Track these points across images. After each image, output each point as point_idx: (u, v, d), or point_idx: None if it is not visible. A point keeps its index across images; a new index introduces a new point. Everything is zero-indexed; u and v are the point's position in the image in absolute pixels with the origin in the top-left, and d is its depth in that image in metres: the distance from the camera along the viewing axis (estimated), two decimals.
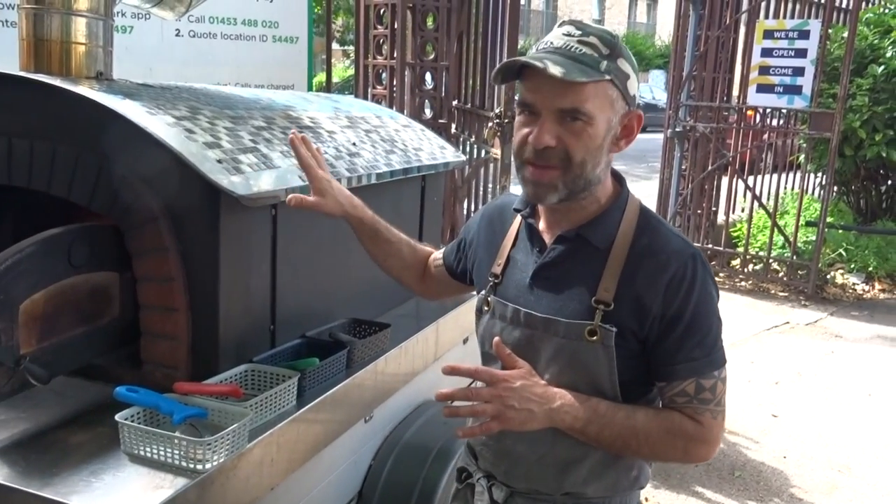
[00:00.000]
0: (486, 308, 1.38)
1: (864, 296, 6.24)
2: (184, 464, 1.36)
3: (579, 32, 1.20)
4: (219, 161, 1.58)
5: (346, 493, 1.97)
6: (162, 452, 1.37)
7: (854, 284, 6.36)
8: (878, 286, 6.37)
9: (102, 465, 1.38)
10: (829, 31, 6.17)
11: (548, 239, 1.33)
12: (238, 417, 1.44)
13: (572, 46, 1.18)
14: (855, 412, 4.08)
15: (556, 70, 1.15)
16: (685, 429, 1.24)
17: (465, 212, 4.63)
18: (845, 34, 6.15)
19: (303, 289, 1.97)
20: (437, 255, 1.67)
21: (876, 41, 6.48)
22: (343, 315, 2.11)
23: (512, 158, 1.29)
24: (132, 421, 1.41)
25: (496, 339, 1.25)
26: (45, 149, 1.67)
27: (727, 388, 1.27)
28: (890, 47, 6.37)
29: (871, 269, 6.42)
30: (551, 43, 1.20)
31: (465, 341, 2.64)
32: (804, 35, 5.78)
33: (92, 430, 1.50)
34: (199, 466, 1.35)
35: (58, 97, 1.64)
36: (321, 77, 5.96)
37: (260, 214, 1.74)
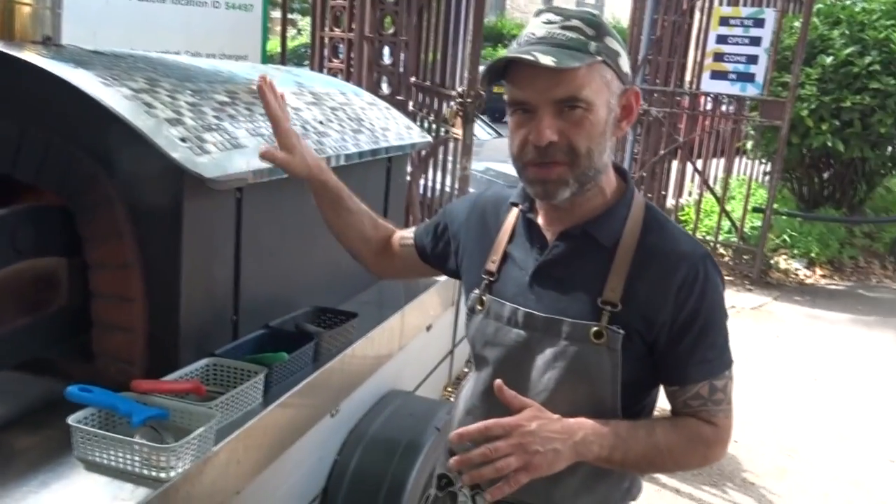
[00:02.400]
0: (479, 307, 1.30)
1: (806, 281, 6.40)
2: (145, 471, 1.25)
3: (560, 18, 1.13)
4: (182, 140, 1.45)
5: (310, 490, 1.88)
6: (121, 459, 1.26)
7: (797, 270, 6.52)
8: (819, 272, 6.54)
9: (52, 474, 1.26)
10: (783, 19, 6.23)
11: (549, 235, 1.25)
12: (204, 419, 1.34)
13: (556, 34, 1.12)
14: (801, 396, 4.18)
15: (547, 60, 1.08)
16: (704, 434, 1.21)
17: (421, 192, 4.53)
18: (795, 24, 6.24)
19: (266, 276, 1.86)
20: (407, 233, 1.56)
21: (826, 32, 6.59)
22: (305, 303, 2.01)
23: (512, 163, 1.20)
24: (86, 424, 1.29)
25: (497, 381, 1.13)
26: None
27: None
28: (839, 38, 6.48)
29: (813, 255, 6.58)
30: (533, 34, 1.13)
31: (428, 328, 2.57)
32: (759, 23, 5.83)
33: (40, 433, 1.38)
34: (163, 474, 1.24)
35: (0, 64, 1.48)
36: (272, 46, 5.74)
37: (224, 198, 1.62)
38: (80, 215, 1.50)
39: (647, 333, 1.18)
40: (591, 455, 1.13)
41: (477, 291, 1.32)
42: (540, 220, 1.28)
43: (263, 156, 1.37)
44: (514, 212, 1.33)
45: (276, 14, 6.12)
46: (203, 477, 1.33)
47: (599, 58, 1.12)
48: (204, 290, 1.62)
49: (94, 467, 1.27)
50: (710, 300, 1.19)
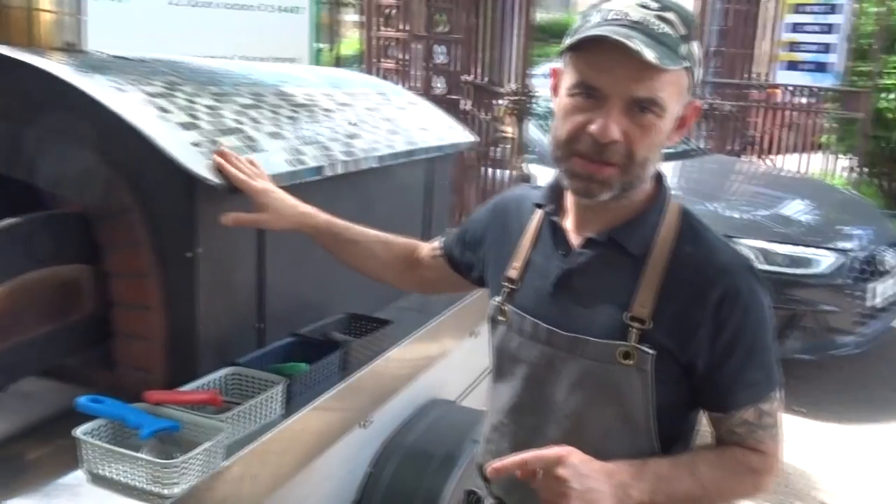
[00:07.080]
0: (501, 318, 1.21)
1: None
2: (150, 487, 1.20)
3: (657, 5, 1.01)
4: (195, 144, 1.41)
5: (340, 503, 1.82)
6: (126, 474, 1.22)
7: None
8: None
9: (58, 487, 1.23)
10: (858, 5, 5.87)
11: (575, 240, 1.15)
12: (212, 433, 1.29)
13: (652, 23, 0.99)
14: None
15: (650, 54, 0.95)
16: (751, 465, 1.10)
17: (476, 193, 4.44)
18: (872, 9, 5.86)
19: (295, 281, 1.81)
20: (436, 244, 1.48)
21: None
22: (340, 309, 1.95)
23: (552, 146, 1.08)
24: (95, 436, 1.26)
25: (491, 468, 1.04)
26: (4, 127, 1.50)
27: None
28: None
29: None
30: (626, 14, 0.99)
31: (473, 334, 2.47)
32: (833, 9, 5.51)
33: (53, 443, 1.35)
34: (167, 490, 1.20)
35: (18, 70, 1.47)
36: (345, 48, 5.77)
37: (243, 201, 1.57)
38: (97, 223, 1.48)
39: (680, 354, 1.06)
40: (630, 500, 1.02)
41: (498, 300, 1.23)
42: (567, 224, 1.17)
43: (229, 222, 1.40)
44: (538, 214, 1.23)
45: (356, 17, 6.25)
46: (213, 492, 1.29)
47: (686, 63, 1.01)
48: (224, 297, 1.58)
49: (100, 481, 1.23)
50: (756, 316, 1.06)
